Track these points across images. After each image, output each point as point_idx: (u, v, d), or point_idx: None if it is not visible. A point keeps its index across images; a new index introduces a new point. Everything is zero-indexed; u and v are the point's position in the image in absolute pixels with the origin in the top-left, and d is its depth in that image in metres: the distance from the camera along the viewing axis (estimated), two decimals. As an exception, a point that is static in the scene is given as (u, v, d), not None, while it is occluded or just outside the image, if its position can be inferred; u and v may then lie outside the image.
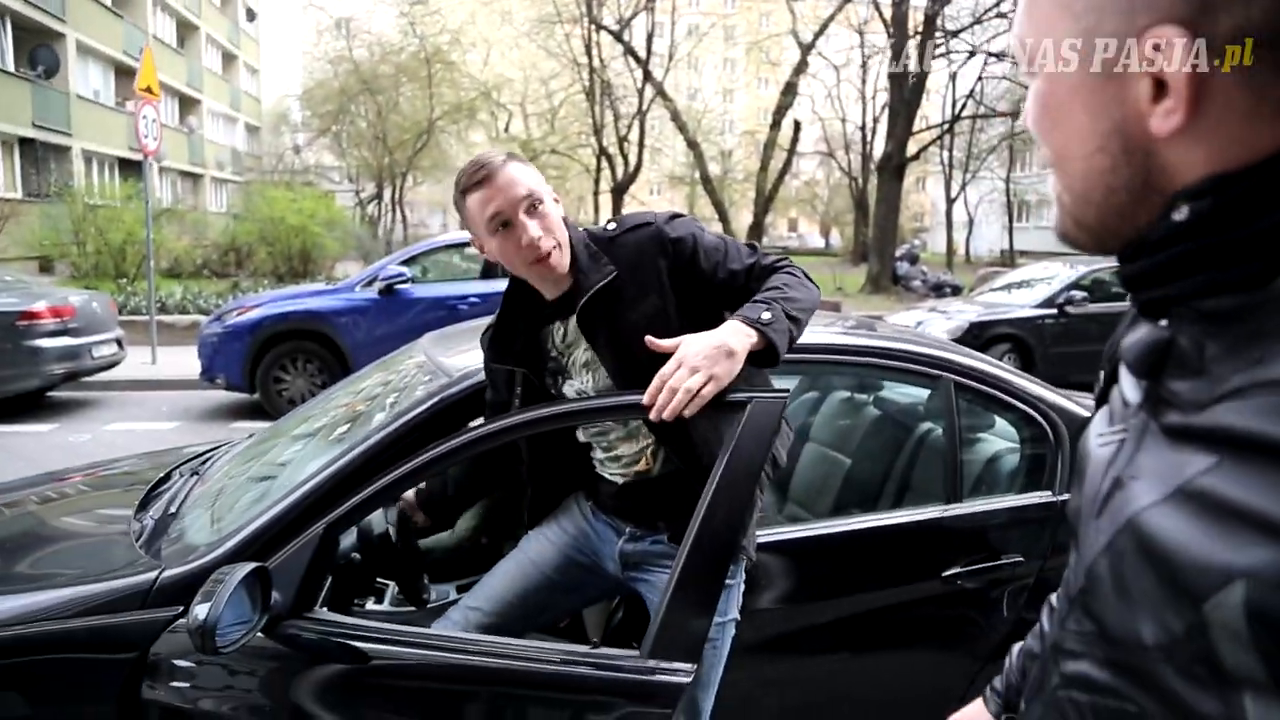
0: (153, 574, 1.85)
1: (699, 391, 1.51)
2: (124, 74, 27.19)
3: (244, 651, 1.64)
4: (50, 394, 8.97)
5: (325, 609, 2.01)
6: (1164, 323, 0.65)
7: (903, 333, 3.09)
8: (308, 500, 1.85)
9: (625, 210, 31.77)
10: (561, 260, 1.77)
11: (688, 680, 1.44)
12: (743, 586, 1.87)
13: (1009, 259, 33.15)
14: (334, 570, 2.31)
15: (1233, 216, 0.58)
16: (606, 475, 1.96)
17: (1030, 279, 11.23)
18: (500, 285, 6.86)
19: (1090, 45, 0.62)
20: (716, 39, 45.56)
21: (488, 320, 2.04)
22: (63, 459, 5.40)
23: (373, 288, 8.38)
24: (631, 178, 30.11)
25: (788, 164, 31.96)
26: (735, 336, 1.58)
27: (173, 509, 2.30)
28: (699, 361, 1.54)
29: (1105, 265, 10.95)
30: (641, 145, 30.10)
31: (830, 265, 27.79)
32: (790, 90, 29.03)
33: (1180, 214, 0.61)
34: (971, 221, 40.50)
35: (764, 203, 31.48)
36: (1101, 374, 0.80)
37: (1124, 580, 0.64)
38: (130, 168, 25.45)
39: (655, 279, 1.76)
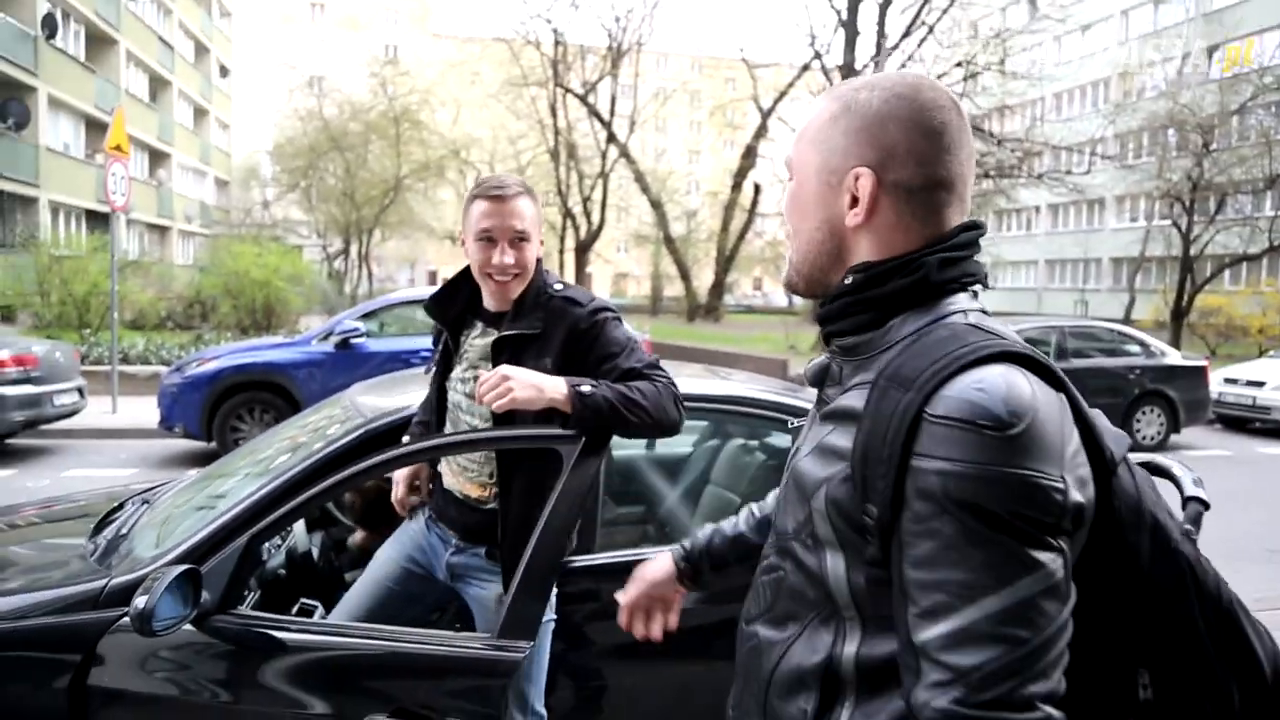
0: (103, 581, 2.20)
1: (504, 393, 1.89)
2: (95, 127, 27.50)
3: (175, 642, 2.00)
4: (10, 441, 9.17)
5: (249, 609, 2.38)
6: (827, 354, 1.13)
7: (784, 388, 3.51)
8: (237, 518, 2.22)
9: (589, 268, 32.22)
10: (513, 290, 2.15)
11: (523, 656, 1.85)
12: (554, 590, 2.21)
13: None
14: (262, 585, 2.69)
15: (868, 286, 1.04)
16: (446, 483, 2.30)
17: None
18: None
19: (824, 169, 1.07)
20: (682, 102, 46.72)
21: (409, 372, 2.43)
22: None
23: (329, 341, 8.75)
24: (594, 236, 30.69)
25: (748, 225, 32.78)
26: (552, 384, 1.95)
27: (124, 531, 2.65)
28: (515, 380, 1.91)
29: (1031, 325, 11.55)
30: (604, 205, 30.71)
31: (788, 324, 28.40)
32: (750, 154, 29.93)
33: (847, 280, 1.06)
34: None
35: (725, 262, 32.17)
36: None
37: (786, 499, 1.10)
38: (97, 219, 25.69)
39: (556, 346, 2.13)
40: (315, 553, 2.75)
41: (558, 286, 2.21)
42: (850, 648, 0.98)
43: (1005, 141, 22.64)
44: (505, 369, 1.94)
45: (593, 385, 1.98)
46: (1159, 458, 1.26)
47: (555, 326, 2.13)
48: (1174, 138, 24.55)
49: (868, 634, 0.98)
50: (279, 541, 2.90)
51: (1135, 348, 11.47)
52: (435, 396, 2.37)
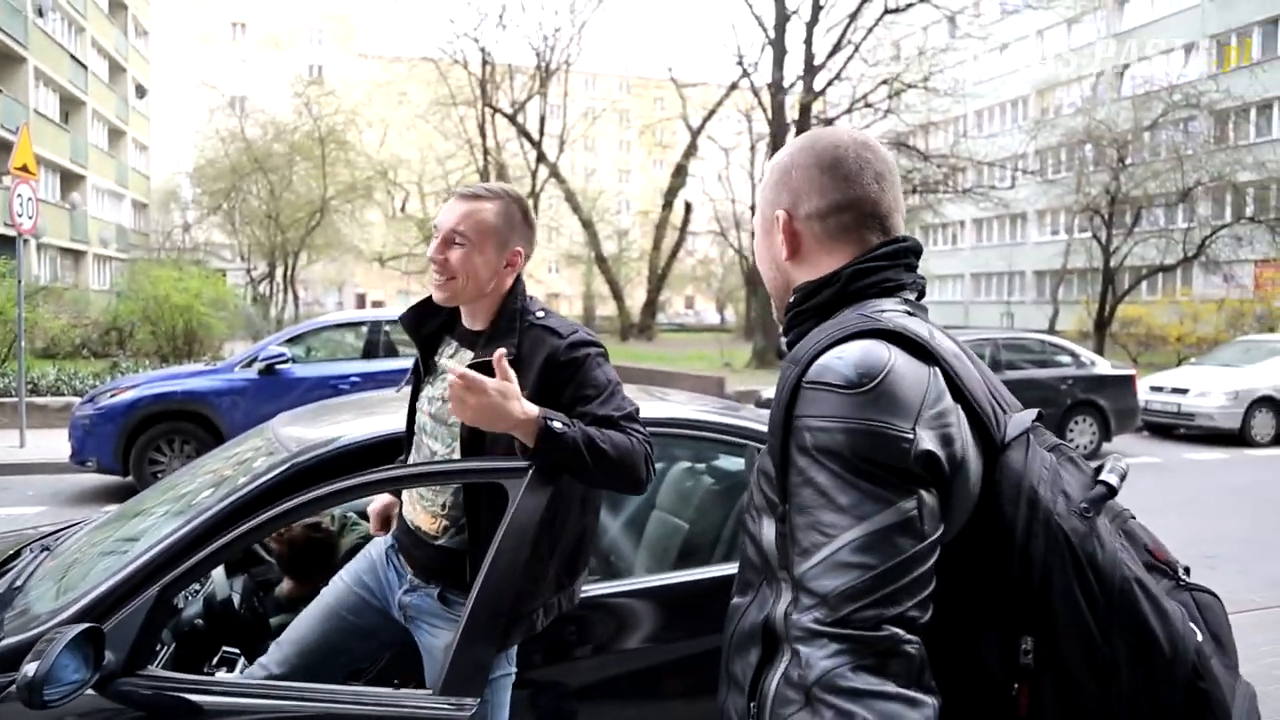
0: (-10, 641, 1.95)
1: (462, 406, 1.73)
2: (9, 149, 26.42)
3: (76, 710, 1.77)
4: (-94, 480, 8.60)
5: (163, 668, 2.14)
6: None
7: (724, 408, 3.38)
8: (147, 567, 1.99)
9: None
10: (444, 294, 2.01)
11: (469, 715, 1.65)
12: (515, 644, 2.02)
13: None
14: (177, 637, 2.44)
15: (803, 301, 1.24)
16: (405, 510, 2.12)
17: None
18: (381, 365, 7.00)
19: (762, 220, 1.32)
20: (611, 121, 46.86)
21: (337, 400, 2.23)
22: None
23: (253, 368, 8.39)
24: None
25: (679, 243, 32.92)
26: (522, 413, 1.76)
27: (18, 583, 2.38)
28: (484, 394, 1.71)
29: (966, 338, 11.68)
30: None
31: (722, 341, 28.51)
32: (681, 172, 30.08)
33: (791, 299, 1.27)
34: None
35: (658, 280, 32.21)
36: None
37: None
38: (4, 243, 24.60)
39: (532, 377, 1.93)
40: (236, 599, 2.51)
41: (539, 314, 2.04)
42: (779, 607, 1.08)
43: (931, 157, 23.10)
44: (484, 381, 1.72)
45: (565, 424, 1.79)
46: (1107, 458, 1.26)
47: (533, 355, 1.96)
48: (1091, 153, 25.31)
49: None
50: (196, 587, 2.66)
51: (1066, 358, 11.67)
52: (406, 418, 2.19)
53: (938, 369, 1.08)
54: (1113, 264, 24.52)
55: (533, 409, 1.77)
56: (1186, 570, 1.16)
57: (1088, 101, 26.67)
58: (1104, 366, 11.88)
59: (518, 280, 2.10)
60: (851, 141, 1.24)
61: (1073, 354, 11.77)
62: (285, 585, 2.88)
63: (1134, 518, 1.17)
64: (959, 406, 1.07)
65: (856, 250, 1.22)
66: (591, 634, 2.44)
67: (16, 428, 10.38)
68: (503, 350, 1.79)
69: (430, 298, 2.13)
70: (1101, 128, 24.29)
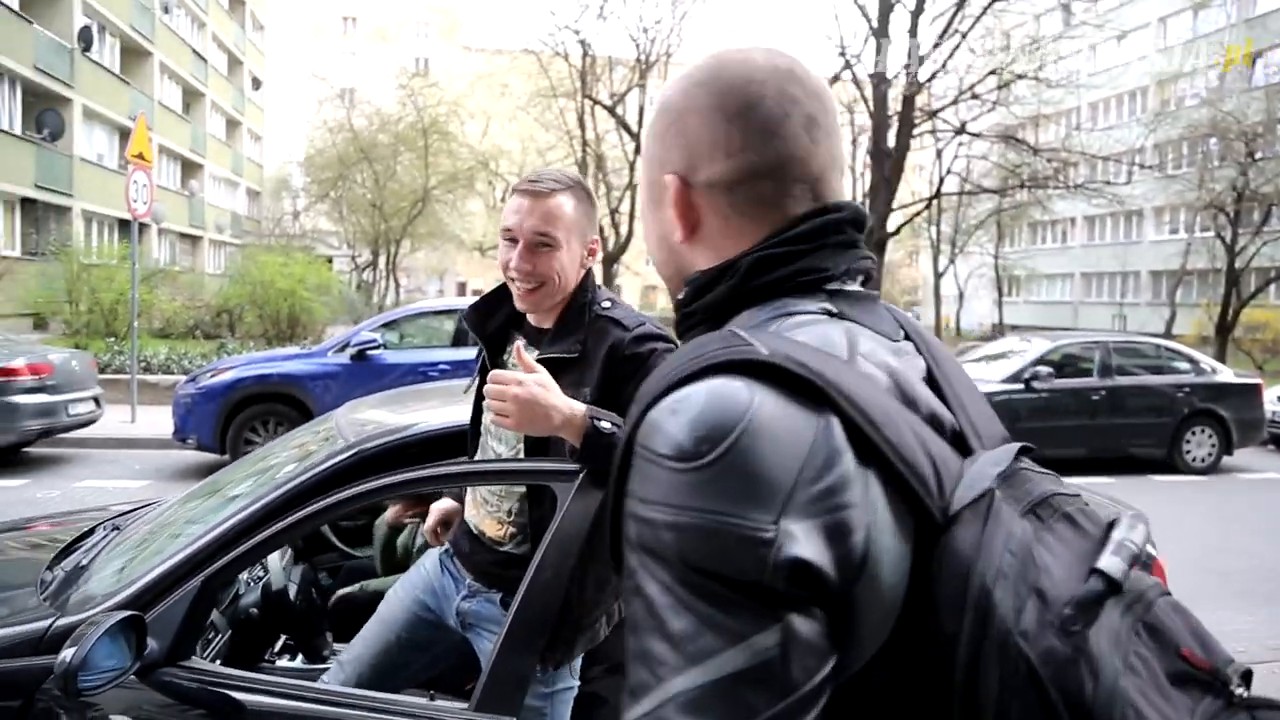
0: (47, 622, 1.94)
1: (500, 410, 1.63)
2: (128, 138, 27.73)
3: (120, 697, 1.73)
4: (26, 450, 9.05)
5: (218, 661, 2.11)
6: None
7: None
8: (195, 557, 1.95)
9: (618, 280, 32.16)
10: (539, 301, 1.89)
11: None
12: (580, 656, 1.92)
13: (999, 332, 33.46)
14: (235, 625, 2.42)
15: (695, 299, 0.88)
16: (467, 514, 2.05)
17: (1003, 352, 11.33)
18: (471, 353, 6.96)
19: (646, 184, 0.94)
20: (711, 114, 46.50)
21: (415, 388, 2.16)
22: (30, 514, 5.46)
23: (345, 353, 8.53)
24: (623, 248, 30.55)
25: (777, 236, 32.48)
26: (569, 410, 1.64)
27: (84, 562, 2.39)
28: (520, 398, 1.61)
29: (1073, 340, 11.15)
30: (633, 216, 30.59)
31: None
32: (780, 165, 29.63)
33: (680, 296, 0.91)
34: (961, 295, 40.96)
35: (754, 274, 31.79)
36: None
37: None
38: (129, 228, 25.86)
39: (596, 373, 1.83)
40: (293, 589, 2.47)
41: (605, 304, 1.92)
42: None
43: (1041, 151, 22.16)
44: (521, 378, 1.63)
45: (615, 423, 1.65)
46: (1118, 503, 0.89)
47: (597, 348, 1.85)
48: (1217, 147, 23.96)
49: None
50: (261, 573, 2.64)
51: (1184, 364, 10.99)
52: (471, 416, 2.10)
53: (834, 418, 0.69)
54: (1238, 265, 23.19)
55: (580, 408, 1.66)
56: (1246, 676, 0.72)
57: (1213, 92, 25.23)
58: (1226, 374, 11.16)
59: (588, 272, 1.97)
60: (771, 71, 0.86)
61: (1191, 360, 11.08)
62: (389, 512, 2.87)
63: (1165, 595, 0.74)
64: (869, 471, 0.69)
65: (772, 228, 0.86)
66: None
67: (129, 404, 10.84)
68: (521, 342, 1.68)
69: (492, 293, 2.05)
70: (1229, 119, 22.95)
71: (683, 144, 0.88)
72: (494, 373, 1.67)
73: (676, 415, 0.69)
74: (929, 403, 0.80)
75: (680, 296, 0.90)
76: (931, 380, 0.85)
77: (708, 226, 0.88)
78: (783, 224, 0.85)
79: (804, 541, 0.65)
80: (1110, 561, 0.70)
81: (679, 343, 0.96)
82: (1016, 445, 0.80)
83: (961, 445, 0.79)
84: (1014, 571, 0.68)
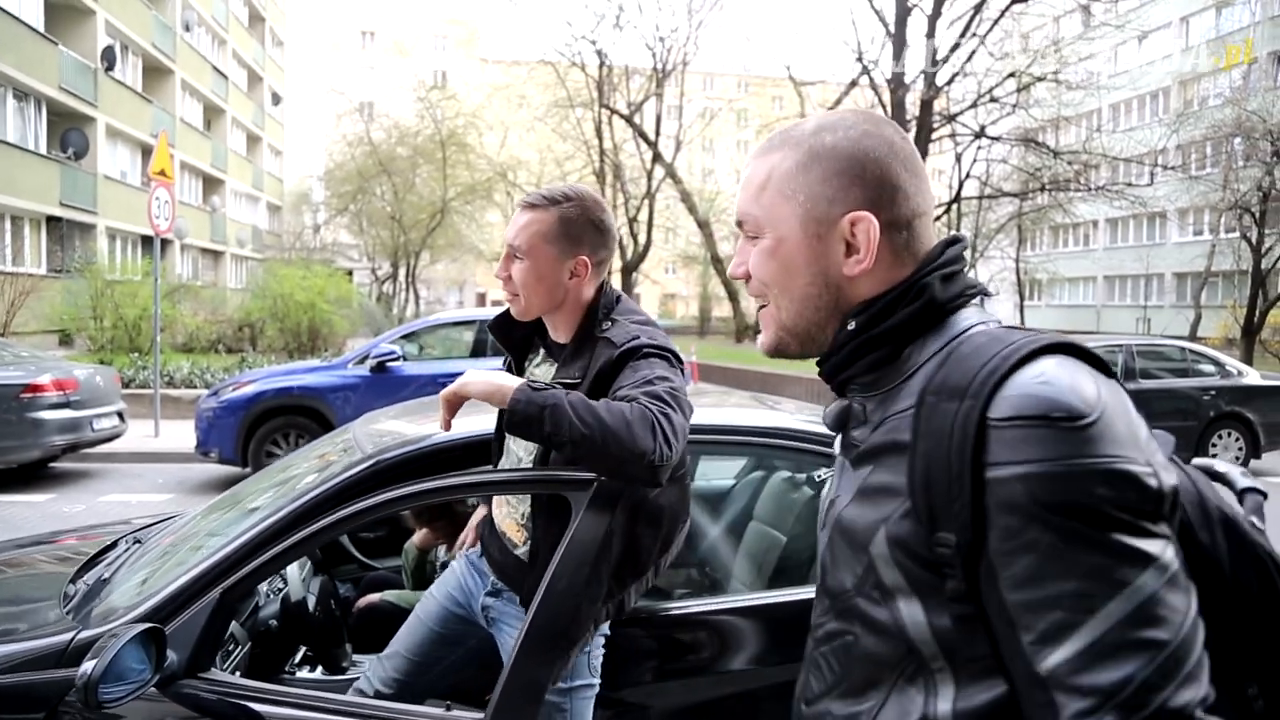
0: (69, 635, 1.95)
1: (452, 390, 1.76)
2: (150, 155, 28.05)
3: (141, 709, 1.74)
4: (52, 465, 9.14)
5: (238, 673, 2.12)
6: (847, 398, 1.06)
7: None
8: (213, 569, 1.96)
9: (637, 288, 32.17)
10: (517, 309, 2.00)
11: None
12: (600, 654, 1.94)
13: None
14: (255, 637, 2.42)
15: (873, 324, 0.99)
16: (494, 514, 2.09)
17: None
18: (491, 364, 7.00)
19: (808, 220, 1.01)
20: (729, 121, 46.57)
21: (420, 400, 2.18)
22: (57, 528, 5.52)
23: (365, 365, 8.57)
24: (641, 257, 30.61)
25: (796, 243, 32.38)
26: (507, 382, 1.71)
27: (106, 575, 2.40)
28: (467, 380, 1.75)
29: (1097, 343, 11.03)
30: (651, 225, 30.62)
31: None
32: (798, 172, 29.55)
33: (850, 325, 1.00)
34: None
35: (773, 281, 31.70)
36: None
37: (834, 556, 1.00)
38: (152, 245, 26.14)
39: (593, 387, 1.85)
40: (311, 600, 2.47)
41: (605, 325, 1.93)
42: (945, 704, 0.89)
43: (1061, 154, 22.00)
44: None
45: (552, 392, 1.66)
46: (1203, 459, 1.11)
47: (590, 373, 1.87)
48: (1241, 147, 23.72)
49: (962, 684, 0.89)
50: (281, 585, 2.65)
51: (1209, 367, 10.85)
52: (496, 424, 2.13)
53: (1119, 384, 0.89)
54: (1264, 266, 22.92)
55: (520, 380, 1.73)
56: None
57: (1238, 91, 24.97)
58: (1253, 376, 11.01)
59: (601, 289, 1.99)
60: (899, 131, 1.04)
61: (1217, 363, 10.94)
62: (417, 536, 3.02)
63: None
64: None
65: (921, 256, 1.01)
66: (683, 653, 2.31)
67: (152, 418, 10.94)
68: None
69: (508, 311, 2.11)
70: (1254, 119, 22.70)
71: (865, 185, 0.99)
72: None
73: (1053, 385, 0.83)
74: None
75: (853, 325, 1.01)
76: None
77: (880, 260, 1.00)
78: (924, 255, 1.01)
79: (1165, 474, 0.82)
80: (1247, 479, 1.01)
81: (825, 374, 1.06)
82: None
83: None
84: (1221, 498, 0.94)
